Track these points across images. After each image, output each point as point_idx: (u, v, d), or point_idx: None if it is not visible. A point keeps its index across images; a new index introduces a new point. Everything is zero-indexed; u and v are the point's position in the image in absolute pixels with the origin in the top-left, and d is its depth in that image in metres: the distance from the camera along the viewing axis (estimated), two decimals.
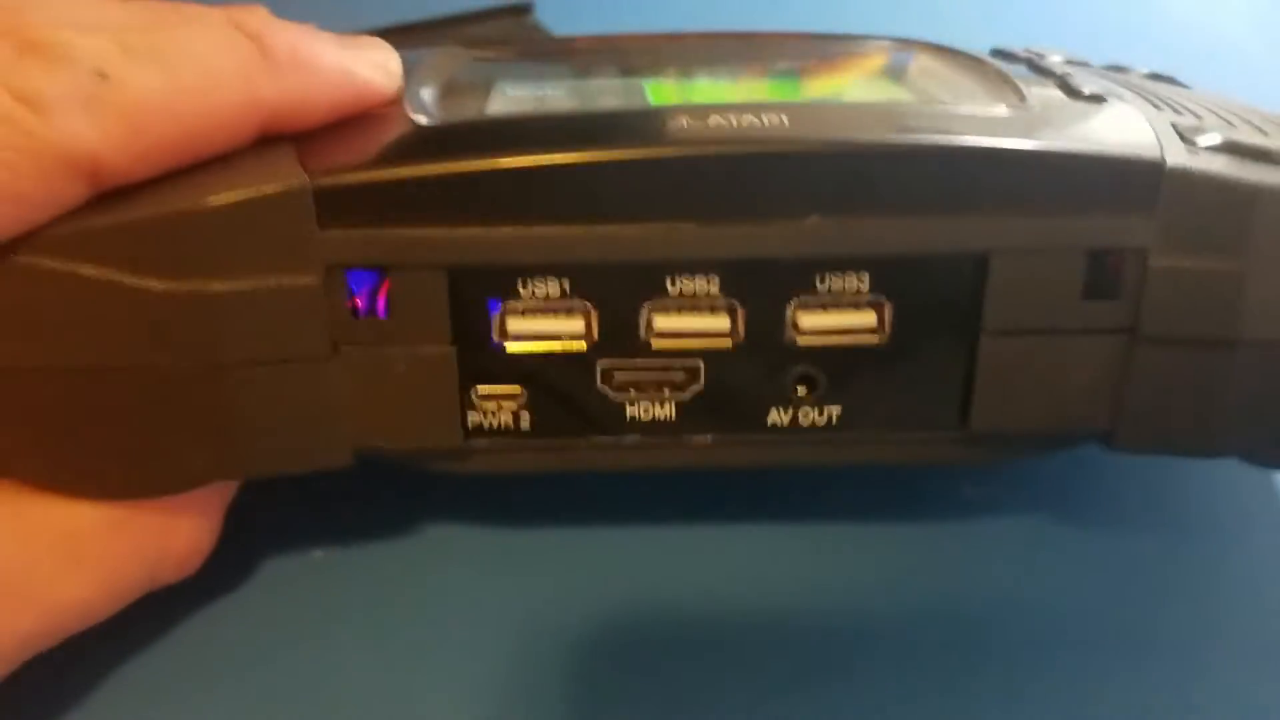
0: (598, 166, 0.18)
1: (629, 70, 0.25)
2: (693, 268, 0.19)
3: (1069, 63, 0.25)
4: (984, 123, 0.19)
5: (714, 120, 0.18)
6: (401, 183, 0.17)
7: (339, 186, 0.17)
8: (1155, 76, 0.26)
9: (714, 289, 0.19)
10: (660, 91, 0.23)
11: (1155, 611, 0.21)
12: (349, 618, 0.21)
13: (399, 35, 0.35)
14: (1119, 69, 0.26)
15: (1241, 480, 0.23)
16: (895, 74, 0.25)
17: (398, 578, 0.22)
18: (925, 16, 0.44)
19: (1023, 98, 0.20)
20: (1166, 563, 0.22)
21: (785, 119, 0.18)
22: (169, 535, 0.19)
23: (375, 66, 0.19)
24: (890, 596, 0.21)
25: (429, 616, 0.21)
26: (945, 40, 0.26)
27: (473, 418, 0.20)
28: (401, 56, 0.23)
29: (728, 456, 0.20)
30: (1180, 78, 0.26)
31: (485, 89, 0.23)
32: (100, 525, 0.19)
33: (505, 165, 0.17)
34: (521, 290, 0.19)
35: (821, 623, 0.21)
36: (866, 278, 0.19)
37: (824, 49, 0.26)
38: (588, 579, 0.22)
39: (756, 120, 0.18)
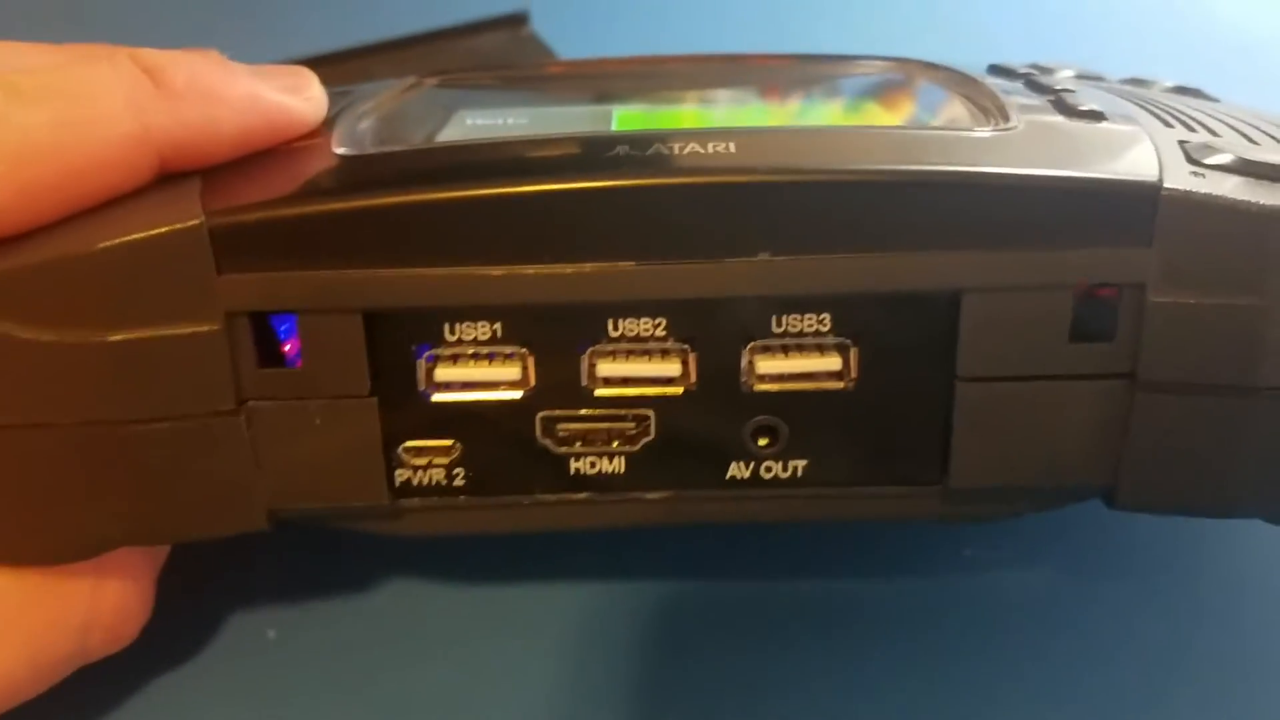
0: (520, 200, 0.16)
1: (604, 96, 0.24)
2: (637, 309, 0.17)
3: (1079, 77, 0.23)
4: (958, 147, 0.17)
5: (654, 149, 0.17)
6: (305, 219, 0.16)
7: (236, 225, 0.16)
8: (1180, 90, 0.24)
9: (661, 331, 0.17)
10: (630, 119, 0.22)
11: (1176, 682, 0.19)
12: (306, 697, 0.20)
13: (394, 49, 0.34)
14: (1139, 82, 0.24)
15: (1265, 539, 0.21)
16: (877, 95, 0.23)
17: (355, 650, 0.20)
18: (979, 31, 0.42)
19: (1007, 118, 0.18)
20: (1186, 634, 0.20)
21: (733, 146, 0.17)
22: (92, 601, 0.18)
23: (289, 92, 0.18)
24: (889, 661, 0.20)
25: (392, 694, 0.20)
26: (984, 57, 0.24)
27: (401, 475, 0.18)
28: (354, 87, 0.22)
29: (685, 513, 0.19)
30: (1216, 89, 0.24)
31: (443, 117, 0.22)
32: (14, 593, 0.17)
33: (417, 200, 0.16)
34: (449, 335, 0.17)
35: (821, 689, 0.19)
36: (828, 319, 0.17)
37: (809, 71, 0.24)
38: (560, 637, 0.20)
39: (700, 148, 0.17)
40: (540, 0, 0.36)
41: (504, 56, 0.35)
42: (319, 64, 0.31)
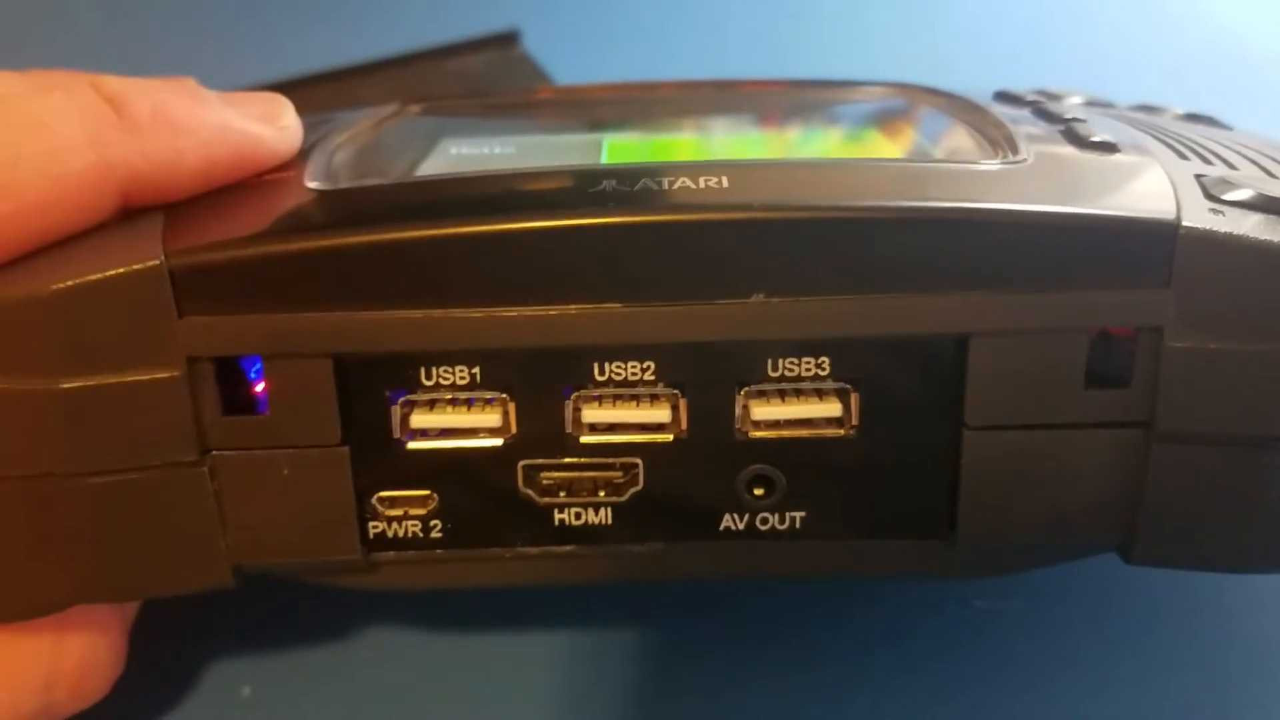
0: (500, 238, 0.15)
1: (594, 124, 0.23)
2: (624, 353, 0.16)
3: (1089, 104, 0.22)
4: (965, 181, 0.16)
5: (642, 184, 0.16)
6: (271, 259, 0.15)
7: (198, 265, 0.15)
8: (1192, 117, 0.23)
9: (650, 375, 0.16)
10: (620, 149, 0.21)
11: None
12: None
13: (382, 70, 0.33)
14: (1150, 109, 0.23)
15: None
16: (878, 124, 0.22)
17: (334, 709, 0.20)
18: (981, 54, 0.42)
19: (1015, 149, 0.17)
20: (1211, 693, 0.19)
21: (725, 181, 0.16)
22: (54, 658, 0.17)
23: (261, 121, 0.17)
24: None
25: None
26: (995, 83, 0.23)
27: (375, 527, 0.17)
28: (334, 115, 0.21)
29: (676, 568, 0.18)
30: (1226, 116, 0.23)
31: (426, 147, 0.21)
32: None
33: (391, 238, 0.15)
34: (425, 380, 0.16)
35: None
36: (827, 363, 0.16)
37: (807, 97, 0.24)
38: (546, 689, 0.19)
39: (691, 183, 0.16)
40: (532, 19, 0.36)
41: (495, 77, 0.34)
42: (305, 86, 0.31)
